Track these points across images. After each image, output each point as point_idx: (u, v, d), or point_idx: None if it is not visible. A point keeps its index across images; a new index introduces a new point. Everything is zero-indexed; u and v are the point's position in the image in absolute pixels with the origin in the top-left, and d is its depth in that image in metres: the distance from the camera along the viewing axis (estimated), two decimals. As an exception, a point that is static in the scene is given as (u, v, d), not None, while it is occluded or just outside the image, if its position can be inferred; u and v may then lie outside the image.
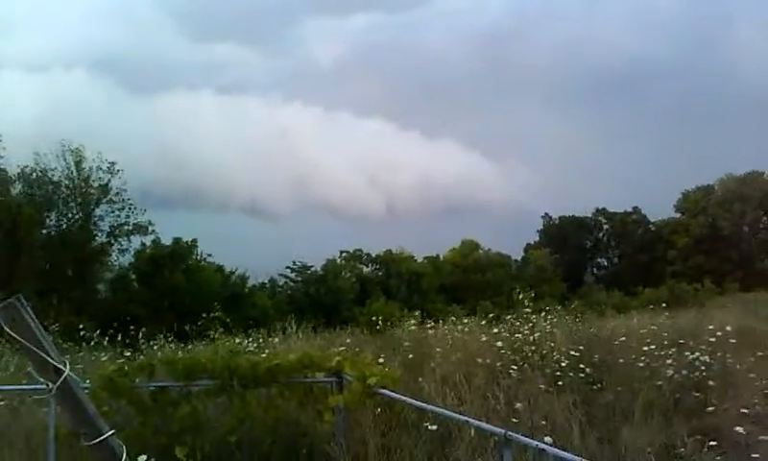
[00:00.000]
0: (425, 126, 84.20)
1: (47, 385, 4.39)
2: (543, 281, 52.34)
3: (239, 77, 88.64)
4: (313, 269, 57.21)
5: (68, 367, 4.40)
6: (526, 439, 4.77)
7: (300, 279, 57.17)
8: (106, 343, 15.84)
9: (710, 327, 12.45)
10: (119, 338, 16.10)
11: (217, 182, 68.33)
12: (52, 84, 67.08)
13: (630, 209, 69.98)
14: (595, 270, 69.65)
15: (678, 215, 68.10)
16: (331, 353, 8.20)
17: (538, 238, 70.10)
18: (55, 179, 43.36)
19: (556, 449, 4.43)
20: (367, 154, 78.53)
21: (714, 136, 75.22)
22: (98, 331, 15.90)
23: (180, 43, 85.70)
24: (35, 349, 4.37)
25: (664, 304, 19.38)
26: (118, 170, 44.46)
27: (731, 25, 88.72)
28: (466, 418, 6.19)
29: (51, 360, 4.37)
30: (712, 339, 11.74)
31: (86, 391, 4.93)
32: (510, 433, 4.76)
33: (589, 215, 70.99)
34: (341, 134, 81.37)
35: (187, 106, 74.82)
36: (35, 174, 42.93)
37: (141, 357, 12.60)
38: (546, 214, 71.49)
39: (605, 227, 71.76)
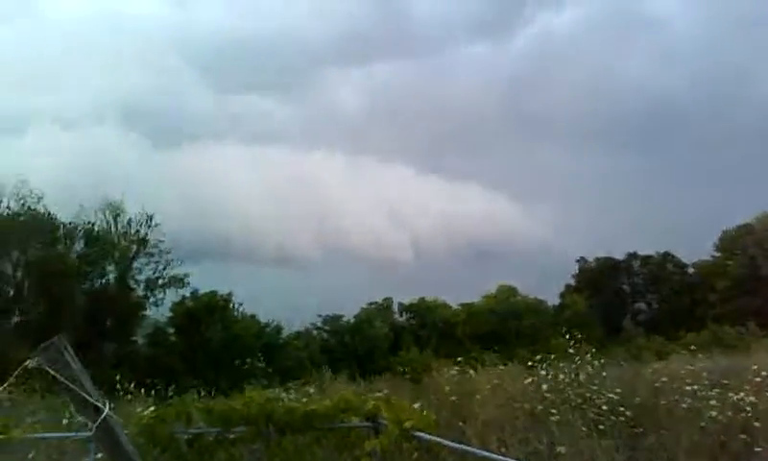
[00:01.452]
0: (449, 169, 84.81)
1: (87, 424, 4.43)
2: (582, 327, 51.36)
3: (264, 126, 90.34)
4: (345, 319, 57.35)
5: (108, 406, 4.43)
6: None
7: (331, 329, 57.22)
8: (143, 394, 15.94)
9: (755, 367, 12.11)
10: (156, 391, 16.18)
11: (244, 232, 68.36)
12: (81, 138, 68.71)
13: (662, 252, 68.83)
14: (634, 315, 68.18)
15: (716, 255, 66.65)
16: (366, 398, 8.10)
17: (573, 282, 69.08)
18: (95, 232, 44.51)
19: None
20: (392, 199, 78.68)
21: (748, 174, 73.80)
22: (133, 383, 16.00)
23: (206, 94, 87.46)
24: (75, 388, 4.42)
25: (707, 348, 18.92)
26: (156, 224, 45.42)
27: (757, 60, 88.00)
28: (507, 459, 6.06)
29: (91, 399, 4.41)
30: (758, 379, 11.42)
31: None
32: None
33: (623, 258, 69.85)
34: (365, 180, 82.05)
35: (214, 156, 76.08)
36: (78, 228, 44.20)
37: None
38: (582, 258, 70.61)
39: (640, 271, 70.50)
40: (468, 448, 6.69)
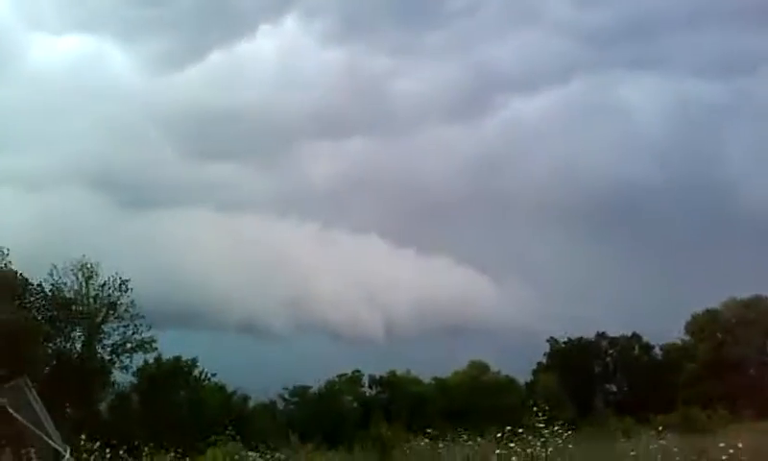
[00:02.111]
0: (421, 244, 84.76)
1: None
2: (553, 405, 50.97)
3: (236, 195, 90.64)
4: (312, 390, 56.48)
5: (68, 452, 4.34)
6: None
7: (298, 400, 56.30)
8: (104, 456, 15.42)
9: (721, 444, 12.18)
10: (117, 452, 15.68)
11: (213, 300, 67.99)
12: (48, 201, 68.49)
13: (630, 334, 69.41)
14: (604, 395, 68.01)
15: (684, 338, 67.34)
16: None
17: (544, 361, 69.02)
18: (65, 294, 43.86)
19: None
20: (363, 271, 78.74)
21: (715, 259, 75.56)
22: (98, 443, 15.47)
23: (179, 161, 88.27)
24: (37, 431, 4.31)
25: (677, 429, 18.89)
26: (129, 289, 44.88)
27: (720, 146, 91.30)
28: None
29: (53, 443, 4.30)
30: (724, 457, 11.44)
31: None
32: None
33: (592, 338, 70.20)
34: (337, 251, 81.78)
35: (184, 223, 76.41)
36: (48, 289, 43.57)
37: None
38: (552, 338, 70.77)
39: (609, 352, 70.86)
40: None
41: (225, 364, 52.68)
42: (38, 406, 4.42)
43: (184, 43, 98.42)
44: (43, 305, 43.79)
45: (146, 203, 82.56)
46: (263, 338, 73.95)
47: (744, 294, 65.16)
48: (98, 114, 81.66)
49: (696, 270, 75.60)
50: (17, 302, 41.88)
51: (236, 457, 7.66)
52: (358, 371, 60.71)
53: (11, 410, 4.13)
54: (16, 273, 42.13)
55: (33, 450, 3.99)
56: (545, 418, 14.37)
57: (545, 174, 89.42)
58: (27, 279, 43.14)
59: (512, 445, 12.40)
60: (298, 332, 75.60)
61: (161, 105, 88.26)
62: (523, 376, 65.24)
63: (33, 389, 4.53)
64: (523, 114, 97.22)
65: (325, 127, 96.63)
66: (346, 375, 59.98)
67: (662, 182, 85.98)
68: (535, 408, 15.08)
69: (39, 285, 43.77)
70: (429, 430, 19.64)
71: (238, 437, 19.63)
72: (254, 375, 54.30)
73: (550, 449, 12.17)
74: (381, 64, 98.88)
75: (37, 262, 43.99)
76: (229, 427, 21.15)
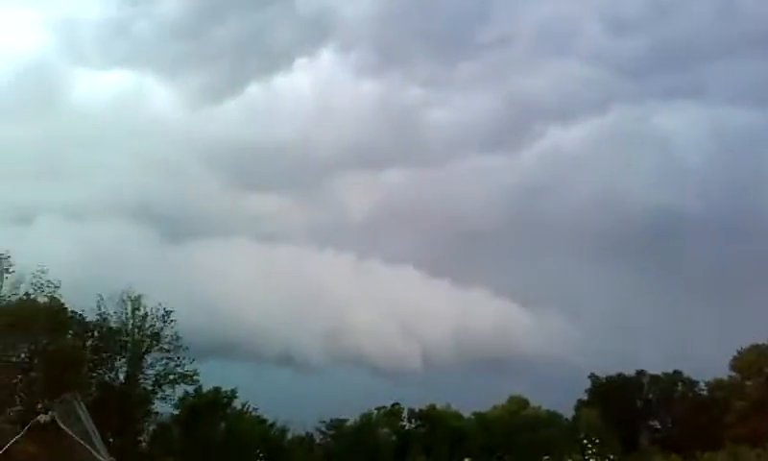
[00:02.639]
0: (458, 275, 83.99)
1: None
2: (598, 441, 49.90)
3: (274, 227, 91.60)
4: (349, 423, 56.18)
5: (116, 464, 4.49)
6: None
7: (335, 433, 56.06)
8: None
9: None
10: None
11: (251, 332, 68.02)
12: (90, 231, 69.85)
13: (672, 371, 67.80)
14: (649, 432, 66.24)
15: (732, 374, 65.34)
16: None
17: (586, 396, 67.72)
18: (111, 325, 44.65)
19: None
20: (398, 302, 77.98)
21: (760, 292, 72.87)
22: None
23: (216, 193, 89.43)
24: (85, 444, 4.50)
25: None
26: (173, 320, 45.40)
27: (759, 175, 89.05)
28: None
29: (99, 456, 4.48)
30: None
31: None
32: None
33: (633, 374, 68.70)
34: (373, 283, 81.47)
35: (221, 254, 76.52)
36: (94, 320, 44.40)
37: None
38: (593, 374, 69.52)
39: (651, 388, 69.23)
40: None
41: (262, 396, 52.67)
42: (88, 421, 4.58)
43: (223, 77, 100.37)
44: (88, 335, 44.58)
45: (186, 234, 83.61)
46: (300, 370, 73.85)
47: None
48: (138, 148, 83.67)
49: (740, 303, 73.44)
50: (64, 332, 42.76)
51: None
52: (397, 404, 60.33)
53: (61, 423, 4.30)
54: (62, 304, 43.00)
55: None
56: (593, 450, 14.10)
57: (583, 204, 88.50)
58: (72, 310, 43.91)
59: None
60: (335, 364, 75.38)
61: (200, 138, 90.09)
62: (563, 411, 64.19)
63: (82, 404, 4.70)
64: (561, 144, 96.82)
65: (361, 158, 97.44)
66: (385, 407, 59.64)
67: (702, 212, 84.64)
68: (585, 441, 14.84)
69: (81, 315, 44.49)
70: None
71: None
72: (292, 407, 54.14)
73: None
74: (416, 95, 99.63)
75: (78, 291, 44.50)
76: (267, 458, 21.34)
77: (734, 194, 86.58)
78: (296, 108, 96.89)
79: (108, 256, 63.09)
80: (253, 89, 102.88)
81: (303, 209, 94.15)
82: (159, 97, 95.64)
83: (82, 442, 4.39)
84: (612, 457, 13.34)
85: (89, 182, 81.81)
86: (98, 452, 4.48)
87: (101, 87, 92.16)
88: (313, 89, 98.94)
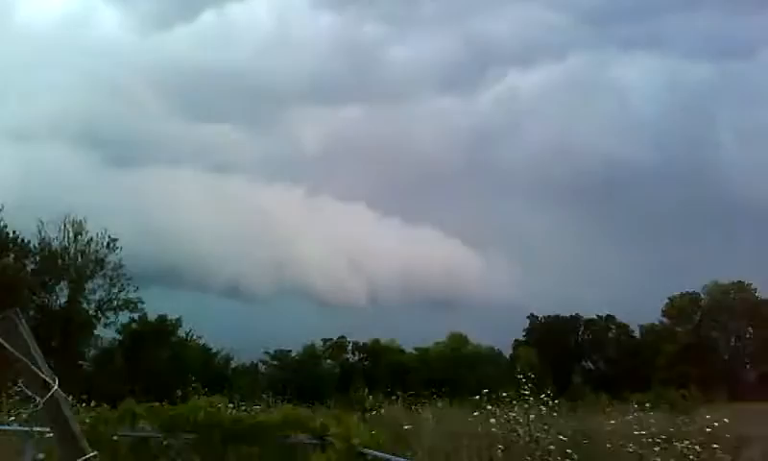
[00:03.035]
0: (409, 214, 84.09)
1: (34, 400, 4.35)
2: (534, 379, 51.71)
3: (225, 157, 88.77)
4: (293, 355, 56.81)
5: (57, 382, 4.35)
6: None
7: (279, 364, 56.65)
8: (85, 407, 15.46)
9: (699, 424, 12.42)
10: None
11: (196, 261, 66.53)
12: (32, 154, 66.95)
13: (605, 314, 70.58)
14: (582, 373, 69.08)
15: (663, 320, 68.31)
16: (315, 415, 8.06)
17: (523, 336, 70.10)
18: (52, 249, 43.59)
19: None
20: (348, 239, 77.45)
21: (698, 242, 75.38)
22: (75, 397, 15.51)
23: (167, 120, 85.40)
24: (27, 362, 4.34)
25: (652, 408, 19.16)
26: (118, 247, 44.59)
27: (712, 130, 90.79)
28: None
29: (41, 374, 4.34)
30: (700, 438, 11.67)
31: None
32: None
33: (571, 316, 71.29)
34: (324, 218, 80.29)
35: (169, 182, 74.52)
36: (36, 243, 43.31)
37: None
38: (532, 314, 71.81)
39: (586, 331, 72.07)
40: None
41: (207, 325, 52.62)
42: (30, 339, 4.45)
43: (175, 2, 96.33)
44: (29, 258, 43.51)
45: (132, 161, 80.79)
46: (246, 301, 73.82)
47: (728, 278, 66.20)
48: (85, 70, 79.95)
49: (682, 253, 75.86)
50: (4, 254, 41.62)
51: (219, 406, 7.80)
52: (343, 337, 61.21)
53: (1, 340, 4.18)
54: (3, 226, 41.76)
55: (21, 380, 4.06)
56: (530, 387, 14.55)
57: (538, 150, 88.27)
58: (12, 233, 42.72)
59: (489, 407, 12.58)
60: (281, 296, 75.38)
61: (151, 64, 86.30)
62: (503, 350, 66.23)
63: (23, 321, 4.53)
64: (519, 88, 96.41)
65: (317, 92, 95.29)
66: (331, 340, 60.41)
67: (653, 164, 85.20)
68: (522, 378, 15.26)
69: (21, 238, 43.36)
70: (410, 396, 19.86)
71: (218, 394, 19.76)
72: (236, 337, 54.37)
73: (532, 416, 12.32)
74: (375, 31, 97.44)
75: (20, 213, 43.41)
76: (210, 385, 21.45)
77: (686, 148, 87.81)
78: (251, 37, 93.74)
79: (50, 179, 60.82)
80: (207, 16, 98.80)
81: (255, 142, 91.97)
82: (109, 19, 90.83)
83: (24, 359, 4.28)
84: (547, 393, 13.68)
85: (32, 104, 78.11)
86: (40, 370, 4.38)
87: (47, 8, 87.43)
88: (269, 19, 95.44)
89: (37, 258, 44.00)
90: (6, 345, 4.37)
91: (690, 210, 78.39)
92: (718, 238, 74.33)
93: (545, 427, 11.92)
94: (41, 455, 7.19)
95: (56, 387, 4.46)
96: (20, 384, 4.43)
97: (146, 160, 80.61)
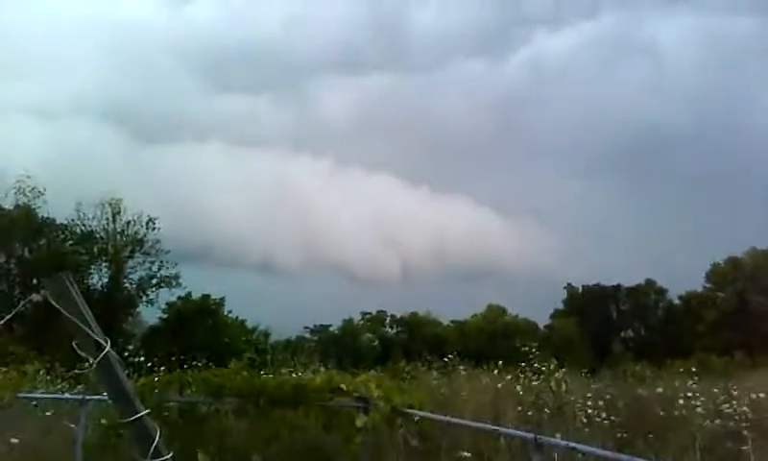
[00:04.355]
0: (439, 184, 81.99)
1: (88, 360, 4.48)
2: (572, 349, 51.65)
3: (251, 130, 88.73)
4: (332, 329, 57.27)
5: (109, 343, 4.49)
6: (556, 440, 4.74)
7: (319, 338, 57.23)
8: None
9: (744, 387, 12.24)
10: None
11: (226, 237, 66.26)
12: (59, 131, 67.06)
13: (645, 281, 69.33)
14: (622, 342, 68.46)
15: (706, 286, 67.08)
16: (356, 380, 8.17)
17: (562, 306, 69.39)
18: (92, 230, 44.41)
19: (587, 447, 4.40)
20: (378, 210, 76.34)
21: (738, 208, 73.86)
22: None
23: (194, 95, 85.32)
24: (79, 323, 4.47)
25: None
26: (157, 227, 45.20)
27: (753, 90, 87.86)
28: (495, 427, 6.15)
29: (93, 335, 4.47)
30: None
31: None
32: (540, 436, 4.73)
33: (610, 284, 70.19)
34: (353, 190, 79.50)
35: (198, 157, 74.13)
36: (75, 225, 44.08)
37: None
38: (569, 284, 70.99)
39: (627, 299, 70.95)
40: (458, 421, 6.78)
41: (240, 302, 52.16)
42: (79, 299, 4.55)
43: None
44: (66, 239, 44.29)
45: (158, 137, 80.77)
46: (278, 277, 73.40)
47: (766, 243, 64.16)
48: (111, 46, 79.57)
49: (722, 219, 73.86)
50: (39, 237, 42.49)
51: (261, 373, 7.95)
52: (382, 311, 61.48)
53: (54, 302, 4.31)
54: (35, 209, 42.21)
55: (75, 342, 4.19)
56: (566, 358, 14.56)
57: (569, 114, 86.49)
58: (48, 216, 43.35)
59: (521, 376, 12.57)
60: (312, 272, 74.91)
61: (175, 37, 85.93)
62: (542, 321, 65.73)
63: (74, 284, 4.64)
64: (548, 51, 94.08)
65: (342, 61, 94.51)
66: (369, 313, 60.77)
67: (690, 126, 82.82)
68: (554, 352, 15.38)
69: (53, 219, 43.97)
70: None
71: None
72: (269, 313, 53.64)
73: (565, 386, 12.27)
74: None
75: (48, 192, 42.82)
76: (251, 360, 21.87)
77: (727, 109, 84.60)
78: (276, 8, 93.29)
79: (77, 157, 60.05)
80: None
81: (282, 114, 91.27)
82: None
83: (77, 321, 4.41)
84: (582, 363, 13.77)
85: (58, 81, 78.37)
86: (93, 332, 4.51)
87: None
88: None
89: (77, 241, 44.68)
90: (59, 307, 4.51)
91: (729, 174, 76.23)
92: (758, 204, 72.38)
93: (588, 395, 11.87)
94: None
95: (108, 348, 4.60)
96: (74, 345, 4.57)
97: (171, 137, 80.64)
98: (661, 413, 11.09)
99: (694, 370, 15.11)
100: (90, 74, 75.20)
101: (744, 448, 9.49)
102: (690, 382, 14.30)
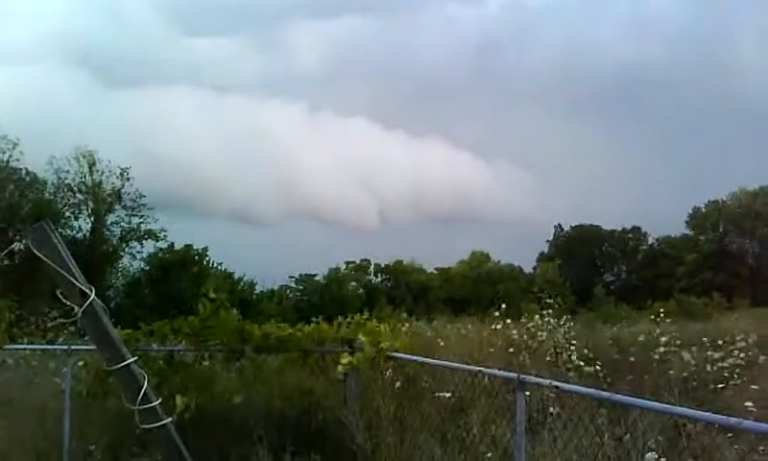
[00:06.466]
0: (415, 127, 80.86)
1: (73, 308, 4.48)
2: (554, 293, 52.18)
3: (220, 73, 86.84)
4: (317, 278, 57.42)
5: (93, 291, 4.49)
6: (539, 379, 4.82)
7: (304, 288, 57.40)
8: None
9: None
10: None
11: (200, 184, 64.21)
12: (22, 75, 64.78)
13: (630, 226, 70.06)
14: (604, 284, 69.32)
15: (687, 231, 67.86)
16: (341, 328, 8.19)
17: (547, 250, 69.93)
18: (70, 182, 43.92)
19: (570, 386, 4.49)
20: (353, 155, 74.50)
21: (721, 150, 73.28)
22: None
23: (162, 37, 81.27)
24: (62, 271, 4.46)
25: (673, 316, 19.19)
26: (129, 177, 44.73)
27: (733, 31, 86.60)
28: (478, 368, 6.26)
29: (78, 283, 4.46)
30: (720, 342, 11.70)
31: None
32: (523, 376, 4.81)
33: (594, 225, 70.54)
34: (326, 135, 77.38)
35: (167, 101, 71.28)
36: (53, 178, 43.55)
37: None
38: (559, 225, 71.20)
39: (611, 241, 71.49)
40: (442, 363, 6.89)
41: (218, 252, 51.16)
42: (62, 248, 4.46)
43: None
44: (40, 191, 43.69)
45: (126, 81, 77.52)
46: (255, 225, 72.90)
47: (751, 184, 64.58)
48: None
49: (705, 162, 73.80)
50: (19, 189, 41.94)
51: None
52: (366, 259, 61.64)
53: (36, 250, 4.22)
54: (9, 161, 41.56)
55: (59, 291, 4.15)
56: (548, 301, 14.74)
57: (549, 56, 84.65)
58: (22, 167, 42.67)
59: (508, 321, 12.75)
60: (291, 219, 74.55)
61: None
62: (524, 266, 66.08)
63: (56, 232, 4.53)
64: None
65: (316, 3, 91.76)
66: (353, 262, 60.95)
67: (670, 67, 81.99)
68: (540, 293, 15.51)
69: (27, 169, 43.23)
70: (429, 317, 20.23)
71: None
72: (250, 262, 52.68)
73: (547, 331, 12.46)
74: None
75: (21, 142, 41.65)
76: (237, 308, 21.87)
77: (708, 50, 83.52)
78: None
79: (42, 103, 57.19)
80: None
81: (252, 58, 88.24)
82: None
83: (59, 269, 4.35)
84: (564, 306, 13.92)
85: (22, 25, 75.34)
86: (76, 279, 4.45)
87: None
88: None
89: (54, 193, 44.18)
90: (39, 255, 4.48)
91: (711, 117, 75.93)
92: (741, 145, 72.44)
93: (566, 337, 12.07)
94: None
95: (93, 296, 4.60)
96: (58, 294, 4.55)
97: (140, 81, 76.80)
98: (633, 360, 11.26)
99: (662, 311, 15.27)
100: (56, 19, 72.51)
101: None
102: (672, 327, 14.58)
